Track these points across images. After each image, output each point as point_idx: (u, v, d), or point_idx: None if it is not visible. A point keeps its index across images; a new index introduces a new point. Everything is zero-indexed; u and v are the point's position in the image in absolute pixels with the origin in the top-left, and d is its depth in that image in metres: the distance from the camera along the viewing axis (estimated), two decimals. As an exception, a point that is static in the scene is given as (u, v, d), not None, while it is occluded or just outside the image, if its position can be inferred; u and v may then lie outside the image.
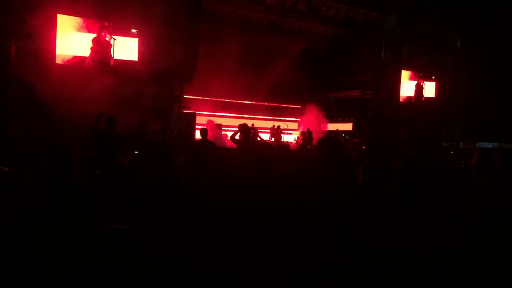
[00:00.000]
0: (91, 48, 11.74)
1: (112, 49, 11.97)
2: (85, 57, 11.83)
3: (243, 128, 7.06)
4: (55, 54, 11.45)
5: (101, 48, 11.80)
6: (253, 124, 18.20)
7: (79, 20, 11.79)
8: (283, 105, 20.68)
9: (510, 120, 18.13)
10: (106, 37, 11.87)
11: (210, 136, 8.74)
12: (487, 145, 15.39)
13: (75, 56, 11.78)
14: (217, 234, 3.10)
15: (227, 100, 18.93)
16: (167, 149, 3.75)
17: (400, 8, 17.18)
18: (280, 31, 18.88)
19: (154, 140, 9.61)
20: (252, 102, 19.97)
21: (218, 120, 17.88)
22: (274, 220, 3.25)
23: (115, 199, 3.71)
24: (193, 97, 16.71)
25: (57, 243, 2.92)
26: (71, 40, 11.73)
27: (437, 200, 3.30)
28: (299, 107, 20.77)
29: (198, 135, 9.78)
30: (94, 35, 11.90)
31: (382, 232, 3.03)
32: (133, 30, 12.53)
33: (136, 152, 8.59)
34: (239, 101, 19.46)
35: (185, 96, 14.91)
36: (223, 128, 17.14)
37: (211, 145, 7.86)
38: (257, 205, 3.33)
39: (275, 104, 20.55)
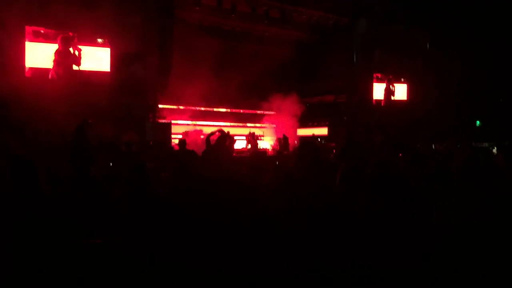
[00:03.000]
0: (54, 60, 11.43)
1: (77, 59, 11.64)
2: (49, 69, 11.53)
3: (221, 133, 7.08)
4: (24, 66, 11.21)
5: (65, 59, 11.51)
6: (229, 132, 18.19)
7: (43, 31, 11.54)
8: (258, 112, 20.70)
9: (481, 120, 18.63)
10: (69, 48, 11.56)
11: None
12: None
13: (43, 68, 11.50)
14: (196, 245, 3.06)
15: (203, 109, 18.85)
16: (141, 162, 3.70)
17: (370, 13, 17.46)
18: (253, 38, 18.96)
19: (121, 151, 9.47)
20: (227, 110, 19.94)
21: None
22: (252, 228, 3.23)
23: (88, 212, 3.63)
24: (168, 106, 16.59)
25: (23, 260, 2.83)
26: (39, 51, 11.48)
27: (411, 202, 3.31)
28: (274, 113, 20.82)
29: (178, 143, 9.66)
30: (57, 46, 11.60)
31: (355, 237, 3.03)
32: (99, 40, 12.30)
33: (111, 164, 8.46)
34: (214, 109, 19.41)
35: (160, 106, 14.79)
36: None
37: (191, 155, 7.82)
38: (235, 214, 3.29)
39: (250, 111, 20.57)
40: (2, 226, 2.96)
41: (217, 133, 7.04)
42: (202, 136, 16.32)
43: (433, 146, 15.42)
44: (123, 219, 3.41)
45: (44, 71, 11.45)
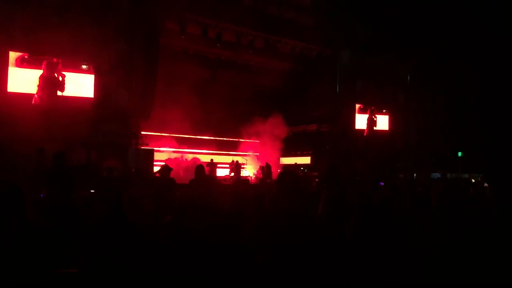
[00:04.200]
0: (38, 85, 11.38)
1: (61, 85, 11.61)
2: (33, 94, 11.46)
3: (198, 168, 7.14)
4: (6, 91, 11.13)
5: (49, 85, 11.46)
6: (212, 160, 18.21)
7: (27, 57, 11.51)
8: (241, 140, 20.79)
9: (461, 150, 18.95)
10: (54, 73, 11.55)
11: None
12: (438, 175, 15.91)
13: (26, 94, 11.43)
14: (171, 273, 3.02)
15: (186, 136, 18.87)
16: (114, 186, 3.67)
17: (353, 45, 17.84)
18: (237, 67, 19.18)
19: (102, 177, 9.38)
20: (210, 137, 20.00)
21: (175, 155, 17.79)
22: (234, 257, 3.21)
23: (65, 240, 3.57)
24: (150, 133, 16.56)
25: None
26: (22, 77, 11.43)
27: (393, 230, 3.33)
28: (258, 141, 20.93)
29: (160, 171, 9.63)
30: (41, 71, 11.57)
31: (341, 264, 3.03)
32: (84, 66, 12.31)
33: (92, 190, 8.37)
34: (198, 137, 19.44)
35: (142, 132, 14.76)
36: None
37: (170, 182, 7.77)
38: (218, 242, 3.28)
39: (233, 139, 20.66)
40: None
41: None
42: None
43: (414, 176, 15.60)
44: (103, 245, 3.36)
45: (27, 96, 11.37)
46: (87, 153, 8.99)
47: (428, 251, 3.05)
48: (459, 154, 19.24)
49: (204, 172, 7.26)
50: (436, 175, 15.77)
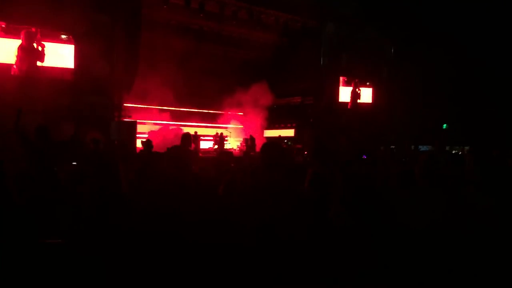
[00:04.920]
0: (17, 56, 11.13)
1: (41, 55, 11.38)
2: (12, 64, 11.23)
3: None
4: (-17, 61, 10.86)
5: (28, 55, 11.22)
6: (196, 132, 18.12)
7: (4, 26, 11.20)
8: (225, 112, 20.70)
9: (443, 123, 19.16)
10: (33, 43, 11.29)
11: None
12: (423, 148, 16.06)
13: (2, 64, 11.17)
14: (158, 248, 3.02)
15: (169, 108, 18.70)
16: (112, 159, 3.63)
17: (338, 17, 17.70)
18: (221, 38, 18.90)
19: (88, 149, 9.24)
20: (194, 110, 19.86)
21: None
22: (215, 232, 3.20)
23: (54, 215, 3.54)
24: (133, 105, 16.36)
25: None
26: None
27: (381, 206, 3.35)
28: (242, 114, 20.85)
29: (143, 144, 9.51)
30: (20, 41, 11.30)
31: (329, 244, 3.05)
32: (63, 36, 12.02)
33: (74, 163, 8.25)
34: (181, 109, 19.28)
35: (125, 105, 14.56)
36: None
37: (154, 155, 7.70)
38: (198, 216, 3.26)
39: (217, 111, 20.56)
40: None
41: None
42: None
43: (393, 148, 15.73)
44: (89, 217, 3.34)
45: (5, 66, 11.11)
46: (75, 126, 8.79)
47: (413, 226, 3.08)
48: (444, 126, 19.43)
49: (190, 141, 7.15)
50: (424, 147, 15.89)
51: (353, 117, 17.61)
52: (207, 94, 19.04)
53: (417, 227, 3.06)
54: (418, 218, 3.13)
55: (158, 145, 10.03)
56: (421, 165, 3.55)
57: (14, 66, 11.12)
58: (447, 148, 16.62)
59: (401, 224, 3.11)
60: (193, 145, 13.82)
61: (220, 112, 20.65)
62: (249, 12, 16.64)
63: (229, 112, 20.55)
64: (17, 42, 11.22)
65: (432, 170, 3.51)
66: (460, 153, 14.12)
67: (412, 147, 15.40)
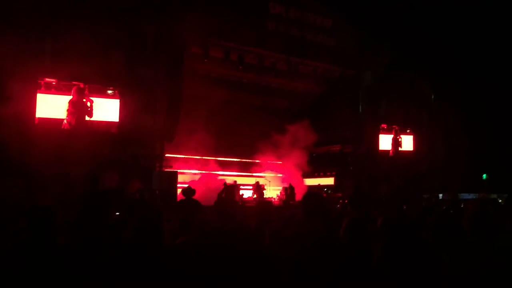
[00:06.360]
0: (67, 110, 11.65)
1: (90, 110, 11.87)
2: (62, 119, 11.74)
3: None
4: (35, 116, 11.40)
5: (78, 110, 11.73)
6: (235, 181, 18.19)
7: (55, 83, 11.81)
8: (263, 161, 20.74)
9: (489, 171, 18.54)
10: (83, 99, 11.81)
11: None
12: (468, 196, 15.57)
13: (53, 118, 11.70)
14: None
15: (209, 158, 18.93)
16: (155, 210, 3.69)
17: (375, 65, 17.81)
18: (260, 89, 19.26)
19: (133, 199, 9.44)
20: (233, 159, 20.02)
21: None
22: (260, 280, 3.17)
23: (99, 262, 3.59)
24: (174, 155, 16.68)
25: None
26: (49, 102, 11.72)
27: (423, 254, 3.25)
28: (281, 163, 20.85)
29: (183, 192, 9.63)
30: (71, 97, 11.85)
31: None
32: (109, 92, 12.56)
33: (117, 213, 8.41)
34: (220, 158, 19.48)
35: (166, 155, 14.89)
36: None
37: (196, 204, 7.75)
38: (243, 265, 3.25)
39: (256, 161, 20.63)
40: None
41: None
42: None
43: (440, 196, 15.29)
44: (132, 264, 3.37)
45: (53, 121, 11.65)
46: (119, 176, 9.07)
47: (458, 277, 2.97)
48: (484, 176, 18.83)
49: (234, 192, 7.20)
50: (466, 195, 15.41)
51: (394, 164, 17.32)
52: (245, 143, 19.22)
53: (462, 275, 2.94)
54: (463, 266, 3.01)
55: (199, 195, 10.11)
56: (469, 215, 3.45)
57: (65, 121, 11.62)
58: (495, 196, 16.02)
59: (447, 277, 2.99)
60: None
61: (259, 161, 20.72)
62: (288, 63, 16.96)
63: (268, 161, 20.58)
64: (66, 98, 11.77)
65: (483, 221, 3.40)
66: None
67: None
